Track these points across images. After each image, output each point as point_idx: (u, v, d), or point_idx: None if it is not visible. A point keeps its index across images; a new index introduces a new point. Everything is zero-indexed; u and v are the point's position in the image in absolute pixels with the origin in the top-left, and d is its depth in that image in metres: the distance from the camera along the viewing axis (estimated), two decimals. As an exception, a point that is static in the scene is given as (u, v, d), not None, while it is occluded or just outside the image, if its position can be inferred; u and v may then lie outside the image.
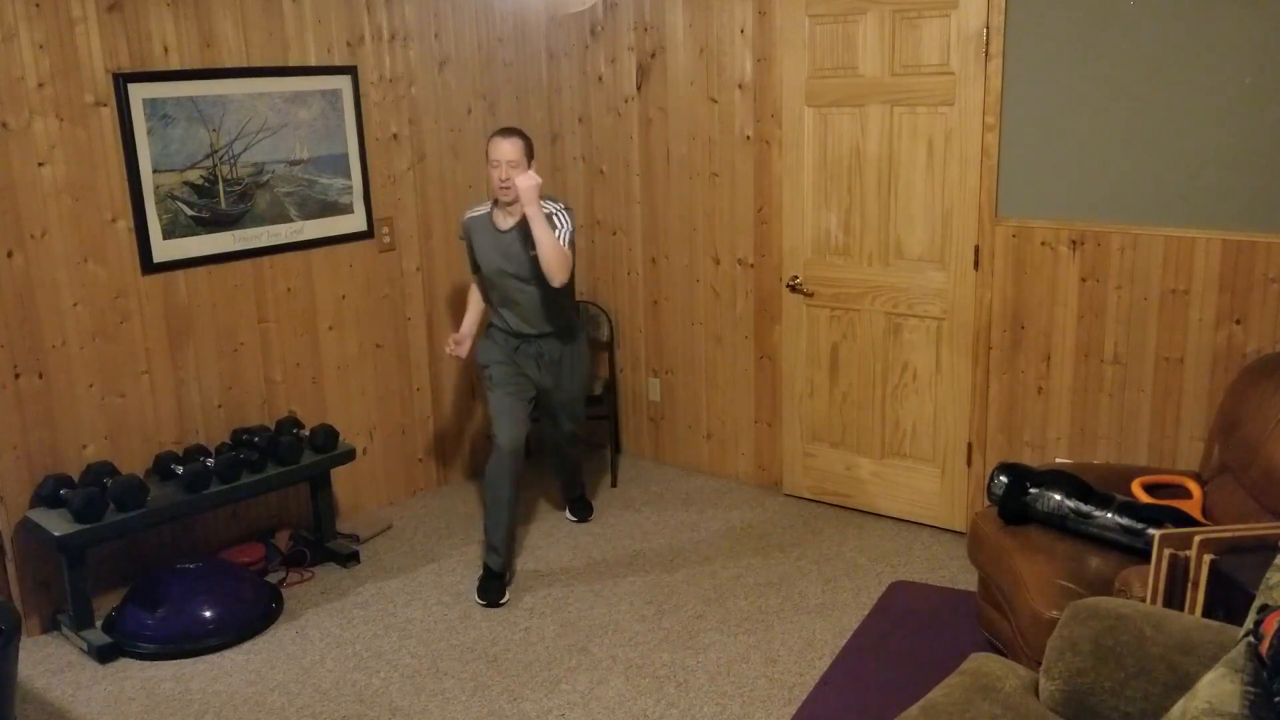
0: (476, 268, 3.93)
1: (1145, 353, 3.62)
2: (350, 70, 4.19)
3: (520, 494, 3.99)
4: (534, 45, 4.91)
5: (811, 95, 4.17)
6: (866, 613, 3.61)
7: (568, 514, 4.46)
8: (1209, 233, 3.42)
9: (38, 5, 3.35)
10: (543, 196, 3.67)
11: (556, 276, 3.63)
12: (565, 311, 3.91)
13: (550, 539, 4.27)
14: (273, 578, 3.95)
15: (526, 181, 3.58)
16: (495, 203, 3.81)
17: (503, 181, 3.65)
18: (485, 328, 4.01)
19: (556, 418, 4.13)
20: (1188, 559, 2.39)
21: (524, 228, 3.69)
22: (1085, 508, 2.98)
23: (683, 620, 3.61)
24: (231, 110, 3.86)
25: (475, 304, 4.10)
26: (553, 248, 3.59)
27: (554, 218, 3.68)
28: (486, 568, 3.82)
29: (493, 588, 3.77)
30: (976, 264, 3.93)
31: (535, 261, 3.70)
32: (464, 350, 3.96)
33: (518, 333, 3.87)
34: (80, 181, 3.52)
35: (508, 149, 3.63)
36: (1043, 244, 3.76)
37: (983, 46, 3.73)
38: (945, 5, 3.78)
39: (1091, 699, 2.10)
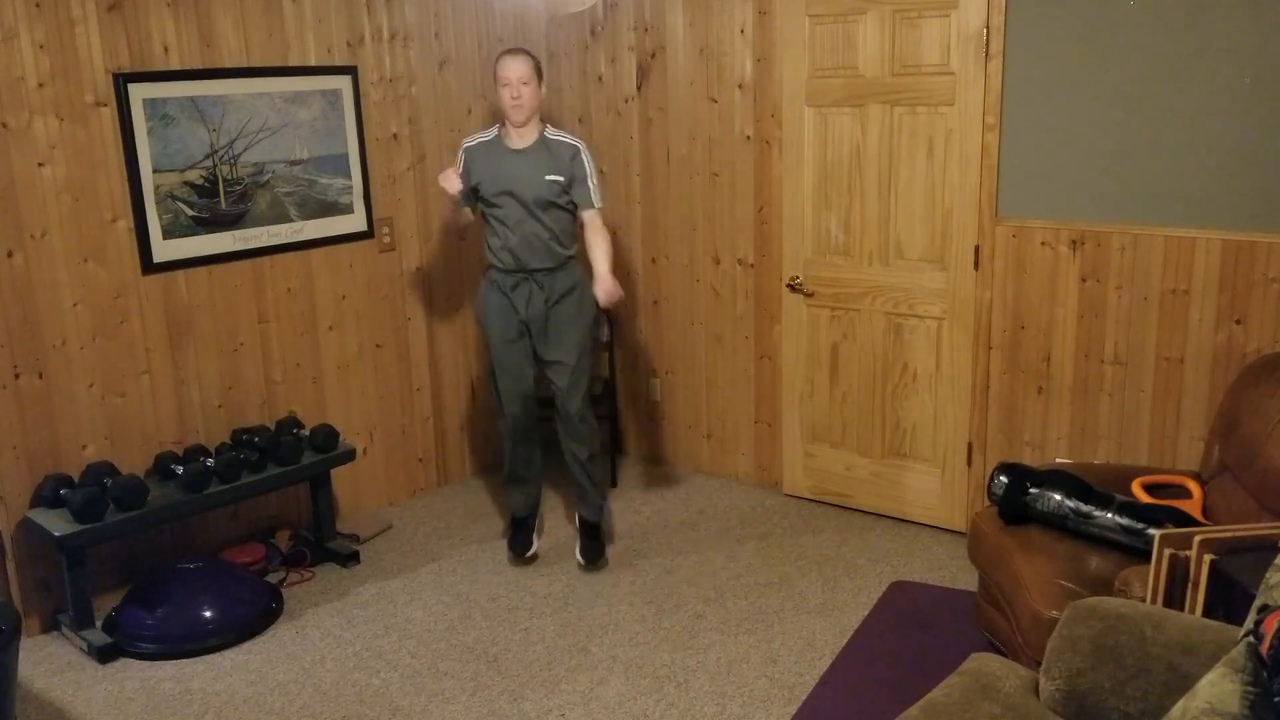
0: (475, 196, 3.80)
1: (1145, 353, 3.62)
2: (350, 70, 4.19)
3: (540, 455, 4.02)
4: (534, 45, 4.90)
5: (811, 95, 4.17)
6: (866, 613, 3.61)
7: (577, 554, 4.00)
8: (1209, 233, 3.42)
9: (38, 5, 3.36)
10: (552, 124, 3.74)
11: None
12: (567, 243, 3.81)
13: (550, 539, 4.27)
14: (273, 578, 3.95)
15: (612, 290, 3.67)
16: (501, 127, 3.77)
17: (515, 99, 3.62)
18: (483, 272, 3.92)
19: (558, 390, 3.84)
20: (1188, 559, 2.39)
21: (542, 153, 3.69)
22: (1085, 508, 2.98)
23: (683, 620, 3.61)
24: (231, 110, 3.86)
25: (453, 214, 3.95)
26: (609, 259, 3.73)
27: (582, 158, 3.74)
28: (514, 517, 3.93)
29: (522, 539, 3.90)
30: (976, 264, 3.93)
31: (545, 186, 3.68)
32: (452, 183, 3.70)
33: (519, 268, 3.73)
34: (80, 181, 3.52)
35: (518, 66, 3.62)
36: (1043, 244, 3.76)
37: (983, 46, 3.73)
38: (945, 5, 3.78)
39: (1091, 699, 2.10)
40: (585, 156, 3.77)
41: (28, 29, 3.34)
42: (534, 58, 3.70)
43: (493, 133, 3.81)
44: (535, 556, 3.91)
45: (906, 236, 4.07)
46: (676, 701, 3.15)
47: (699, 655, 3.39)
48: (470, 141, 3.85)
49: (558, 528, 4.36)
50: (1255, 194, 3.33)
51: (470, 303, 4.81)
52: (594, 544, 3.99)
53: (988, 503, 3.30)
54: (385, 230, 4.42)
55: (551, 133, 3.78)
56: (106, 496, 3.43)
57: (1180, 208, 3.47)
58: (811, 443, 4.50)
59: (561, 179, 3.71)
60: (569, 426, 3.90)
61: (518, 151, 3.72)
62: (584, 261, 3.86)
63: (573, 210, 3.79)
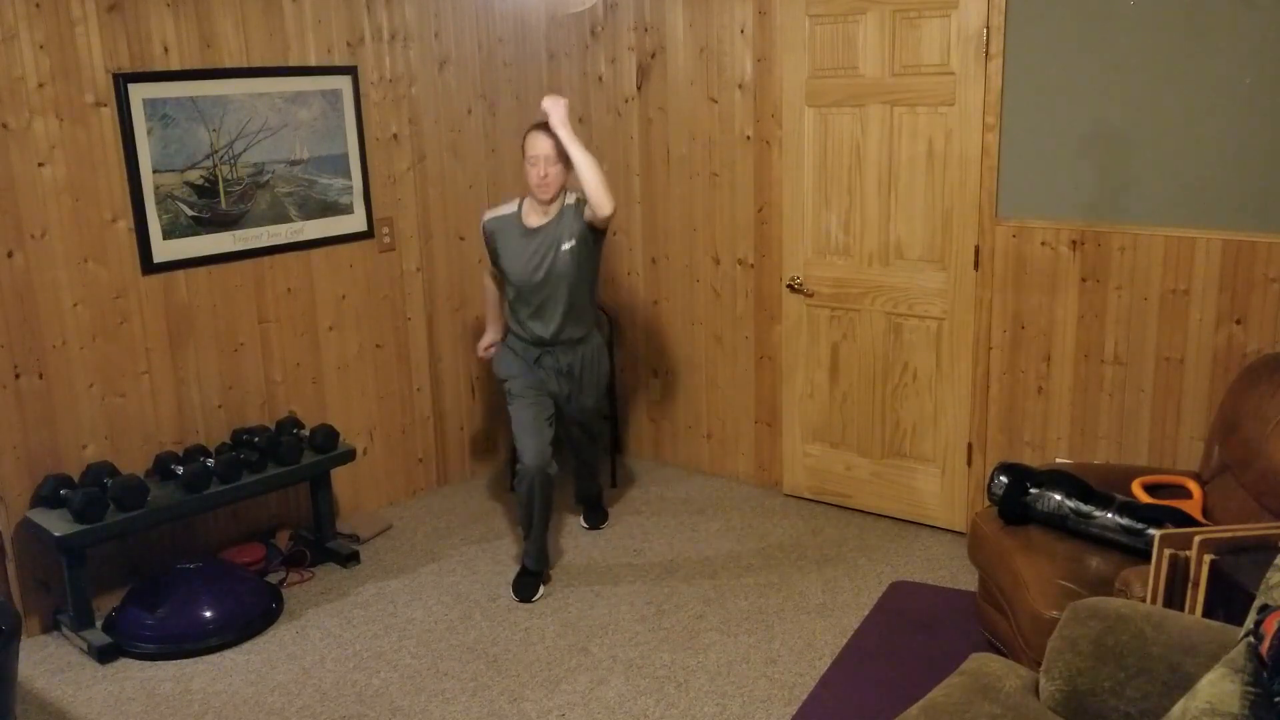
0: (500, 273, 3.79)
1: (1145, 353, 3.62)
2: (350, 70, 4.19)
3: (553, 500, 3.95)
4: (534, 45, 4.91)
5: (811, 95, 4.17)
6: (866, 613, 3.61)
7: (581, 520, 4.40)
8: (1209, 233, 3.42)
9: (38, 5, 3.36)
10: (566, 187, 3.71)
11: (606, 204, 3.51)
12: (589, 315, 3.84)
13: (551, 539, 4.27)
14: (273, 578, 3.95)
15: (557, 106, 3.52)
16: (523, 201, 3.72)
17: (542, 178, 3.57)
18: (504, 336, 3.94)
19: (572, 428, 4.10)
20: (1188, 559, 2.39)
21: (554, 227, 3.64)
22: (1085, 508, 2.98)
23: (683, 620, 3.61)
24: (231, 110, 3.86)
25: (494, 307, 4.03)
26: (594, 173, 3.49)
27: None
28: (524, 566, 3.85)
29: (528, 584, 3.81)
30: (976, 264, 3.93)
31: (566, 259, 3.64)
32: (494, 352, 3.96)
33: (540, 340, 3.77)
34: (80, 181, 3.52)
35: (545, 144, 3.55)
36: (1043, 244, 3.76)
37: (983, 46, 3.73)
38: (945, 5, 3.78)
39: (1091, 699, 2.10)
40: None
41: (28, 29, 3.34)
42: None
43: (512, 207, 3.72)
44: (540, 598, 3.85)
45: (906, 236, 4.07)
46: (676, 701, 3.15)
47: (699, 655, 3.39)
48: (490, 216, 3.78)
49: (558, 525, 4.36)
50: (1255, 194, 3.33)
51: (471, 303, 4.81)
52: (597, 512, 4.38)
53: (988, 503, 3.30)
54: (385, 230, 4.42)
55: (569, 197, 3.69)
56: (106, 496, 3.43)
57: (1180, 208, 3.47)
58: (811, 443, 4.50)
59: (575, 239, 3.66)
60: (580, 445, 4.20)
61: (534, 230, 3.66)
62: (610, 271, 3.95)
63: (592, 271, 3.76)
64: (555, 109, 3.58)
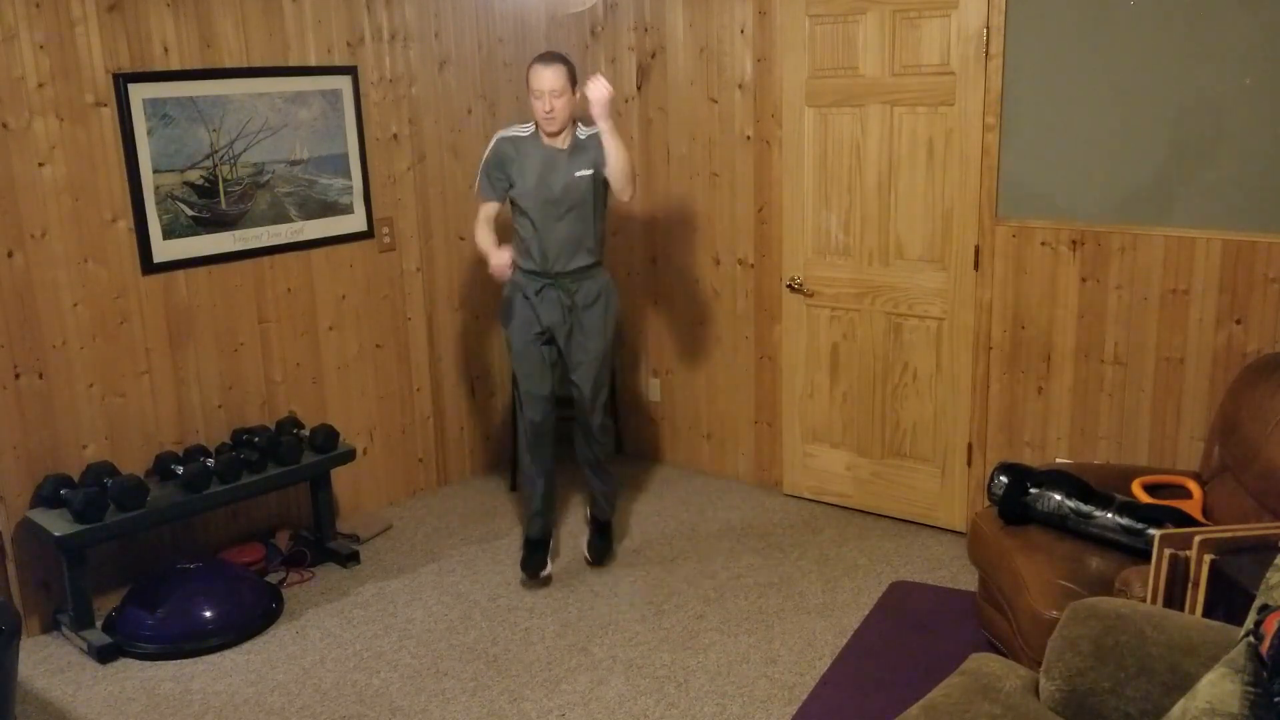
0: (507, 190, 3.67)
1: (1145, 353, 3.62)
2: (350, 70, 4.19)
3: (555, 458, 3.92)
4: (534, 45, 4.90)
5: (811, 95, 4.17)
6: (866, 613, 3.61)
7: (585, 550, 4.02)
8: (1209, 233, 3.42)
9: (38, 5, 3.35)
10: (583, 121, 3.66)
11: (628, 189, 3.64)
12: (597, 247, 3.75)
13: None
14: (273, 578, 3.95)
15: (601, 93, 3.46)
16: (535, 128, 3.65)
17: (548, 112, 3.53)
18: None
19: (581, 401, 3.82)
20: (1188, 559, 2.39)
21: (573, 152, 3.62)
22: (1085, 508, 2.98)
23: (683, 620, 3.61)
24: (231, 110, 3.86)
25: (490, 233, 3.72)
26: (623, 164, 3.57)
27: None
28: (527, 539, 3.85)
29: (535, 560, 3.82)
30: (976, 264, 3.93)
31: (583, 184, 3.61)
32: (502, 268, 3.60)
33: (546, 270, 3.67)
34: (80, 181, 3.52)
35: (550, 77, 3.50)
36: (1043, 244, 3.76)
37: (983, 46, 3.73)
38: (945, 5, 3.78)
39: (1091, 699, 2.10)
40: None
41: (28, 29, 3.34)
42: (568, 64, 3.56)
43: (529, 128, 3.67)
44: (549, 579, 3.88)
45: (906, 236, 4.07)
46: (676, 701, 3.15)
47: (699, 655, 3.39)
48: (505, 133, 3.71)
49: (560, 528, 4.36)
50: (1255, 194, 3.33)
51: (471, 303, 4.81)
52: (603, 542, 4.02)
53: (988, 503, 3.30)
54: (385, 230, 4.42)
55: (582, 131, 3.68)
56: (106, 496, 3.43)
57: (1180, 208, 3.47)
58: (811, 443, 4.50)
59: (590, 170, 3.63)
60: (588, 436, 3.92)
61: (552, 150, 3.62)
62: (611, 269, 3.85)
63: (602, 206, 3.72)
64: (599, 99, 3.48)
